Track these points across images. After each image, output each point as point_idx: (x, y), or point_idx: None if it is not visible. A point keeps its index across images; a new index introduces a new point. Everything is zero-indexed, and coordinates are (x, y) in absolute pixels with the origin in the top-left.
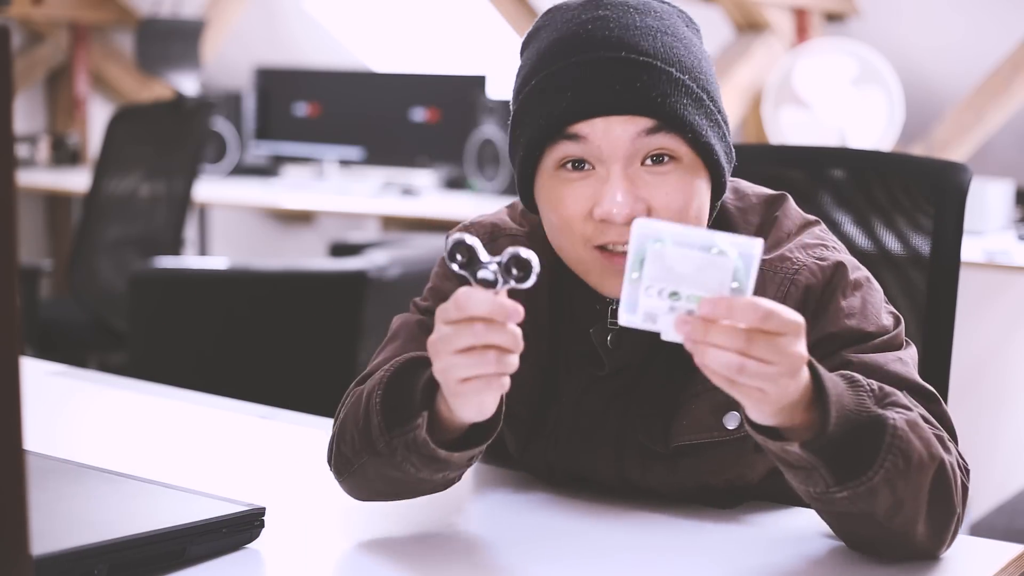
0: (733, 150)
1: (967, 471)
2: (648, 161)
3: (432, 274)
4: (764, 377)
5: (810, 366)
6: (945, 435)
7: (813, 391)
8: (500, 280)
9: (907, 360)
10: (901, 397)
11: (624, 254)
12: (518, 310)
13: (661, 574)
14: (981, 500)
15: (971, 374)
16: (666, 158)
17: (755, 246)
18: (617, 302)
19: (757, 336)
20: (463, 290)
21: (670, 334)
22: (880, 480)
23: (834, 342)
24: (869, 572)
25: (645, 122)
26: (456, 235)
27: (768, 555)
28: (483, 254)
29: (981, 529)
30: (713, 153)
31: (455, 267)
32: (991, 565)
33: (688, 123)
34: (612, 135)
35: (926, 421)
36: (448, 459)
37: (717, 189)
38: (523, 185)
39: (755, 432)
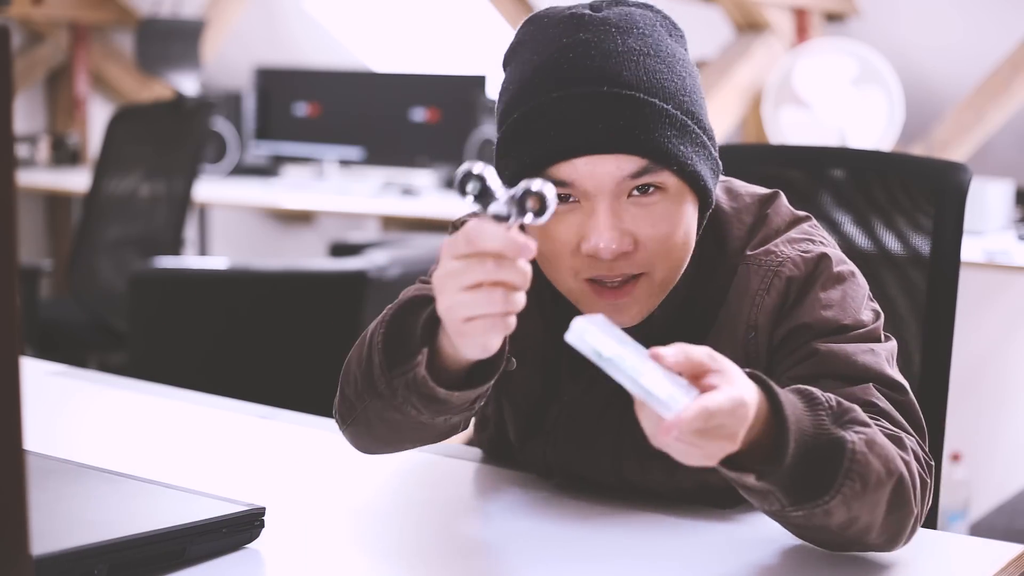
0: (719, 164)
1: (930, 466)
2: (635, 192)
3: (435, 264)
4: (719, 448)
5: (767, 388)
6: (903, 433)
7: (770, 413)
8: (514, 214)
9: (879, 351)
10: (859, 413)
11: (615, 288)
12: (529, 246)
13: (660, 574)
14: (981, 500)
15: (971, 374)
16: (652, 189)
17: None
18: None
19: (706, 430)
20: (473, 223)
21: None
22: (837, 503)
23: (807, 332)
24: (869, 572)
25: (631, 163)
26: (466, 165)
27: (766, 555)
28: (496, 186)
29: (981, 529)
30: (700, 180)
31: (466, 199)
32: (991, 565)
33: (673, 156)
34: (597, 175)
35: (888, 417)
36: (448, 399)
37: (704, 205)
38: None
39: (721, 468)
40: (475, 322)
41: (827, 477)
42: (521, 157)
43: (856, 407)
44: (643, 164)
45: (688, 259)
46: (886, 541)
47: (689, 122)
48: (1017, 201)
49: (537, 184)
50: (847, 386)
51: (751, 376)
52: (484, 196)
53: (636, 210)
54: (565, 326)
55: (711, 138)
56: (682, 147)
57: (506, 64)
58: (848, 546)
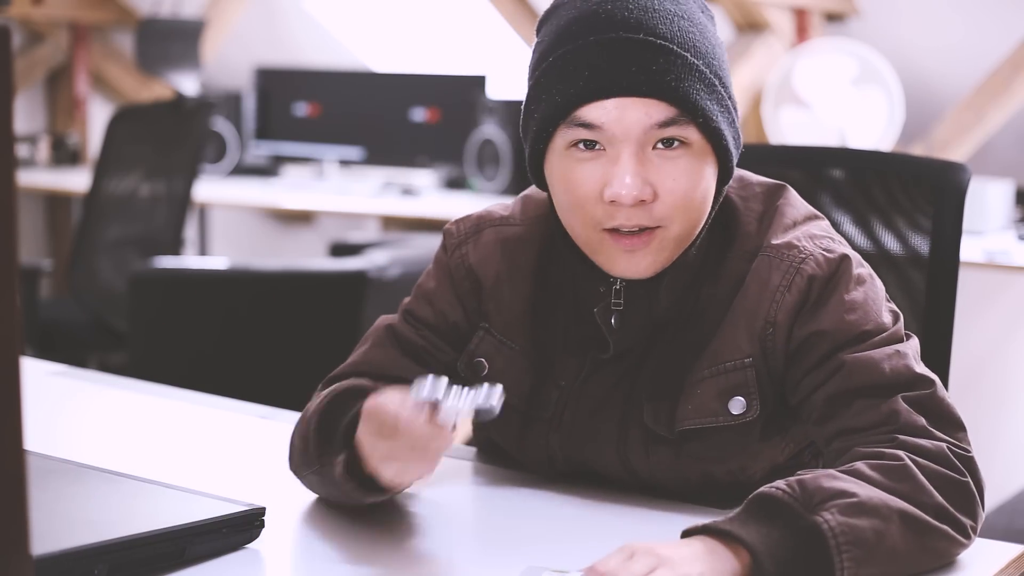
0: (741, 136)
1: (967, 457)
2: (659, 145)
3: (424, 272)
4: None
5: (718, 530)
6: (915, 444)
7: (737, 546)
8: (462, 408)
9: (904, 351)
10: (824, 481)
11: (632, 234)
12: (445, 434)
13: None
14: None
15: (971, 374)
16: (676, 143)
17: None
18: (621, 281)
19: None
20: (403, 418)
21: None
22: (851, 574)
23: (829, 340)
24: None
25: (659, 111)
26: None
27: None
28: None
29: (981, 529)
30: (723, 139)
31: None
32: (991, 565)
33: (700, 108)
34: (625, 120)
35: (910, 429)
36: (364, 499)
37: (724, 174)
38: (533, 162)
39: None
40: (392, 462)
41: (825, 565)
42: (552, 97)
43: (821, 477)
44: (671, 114)
45: (701, 223)
46: (944, 557)
47: (717, 83)
48: (1017, 201)
49: (484, 393)
50: (878, 402)
51: (695, 531)
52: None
53: (660, 161)
54: (566, 307)
55: (735, 108)
56: (710, 102)
57: (540, 26)
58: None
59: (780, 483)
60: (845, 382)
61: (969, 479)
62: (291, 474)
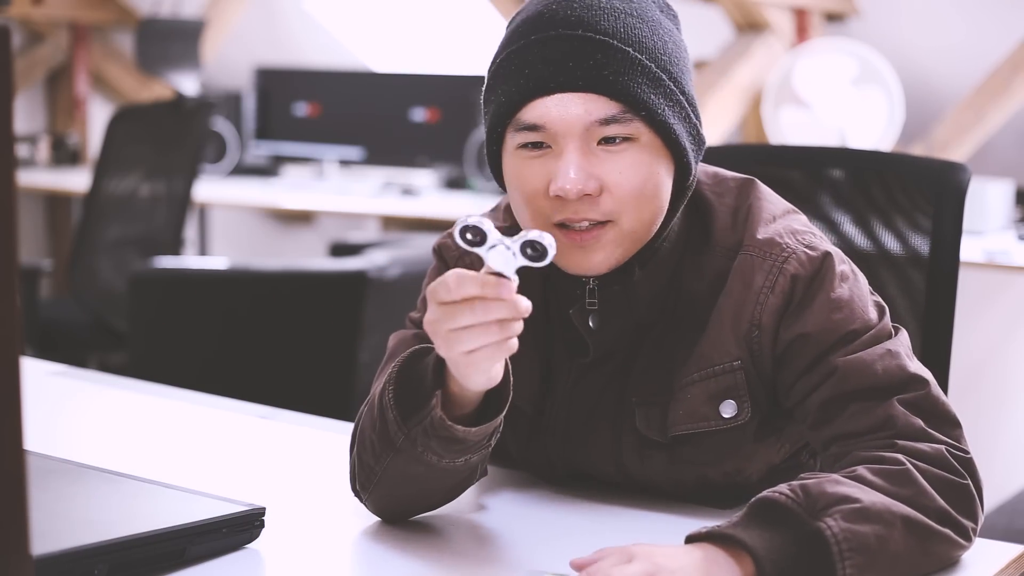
0: (702, 136)
1: (965, 459)
2: (603, 142)
3: (424, 285)
4: None
5: (721, 535)
6: (915, 448)
7: (739, 552)
8: (513, 261)
9: (896, 350)
10: (827, 487)
11: (583, 230)
12: (508, 283)
13: None
14: None
15: (971, 374)
16: (619, 140)
17: None
18: (593, 280)
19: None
20: (453, 272)
21: None
22: None
23: (818, 342)
24: None
25: (599, 105)
26: (463, 218)
27: None
28: (492, 235)
29: (981, 529)
30: (672, 133)
31: (466, 246)
32: (991, 565)
33: (642, 102)
34: (567, 117)
35: (908, 433)
36: (465, 437)
37: (682, 172)
38: (492, 164)
39: None
40: (476, 353)
41: (827, 572)
42: (498, 98)
43: (825, 482)
44: (614, 111)
45: (658, 220)
46: (947, 559)
47: (665, 78)
48: (1017, 201)
49: (535, 234)
50: (873, 406)
51: (697, 538)
52: (481, 244)
53: (605, 155)
54: (552, 314)
55: (693, 107)
56: (653, 96)
57: (505, 31)
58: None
59: (784, 488)
60: (839, 386)
61: (969, 481)
62: (353, 496)
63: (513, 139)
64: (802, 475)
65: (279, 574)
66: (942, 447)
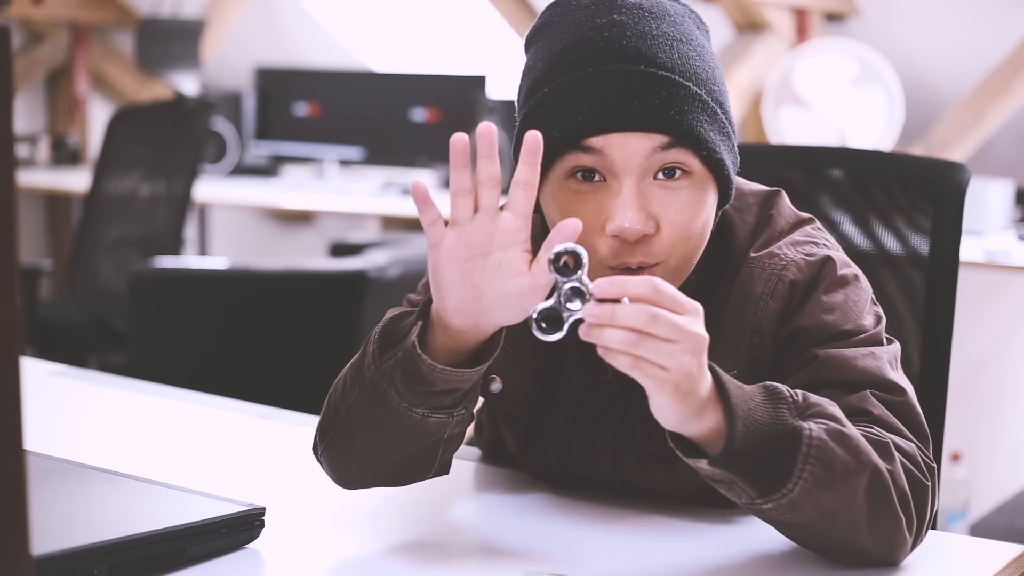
0: (738, 158)
1: (931, 469)
2: (660, 175)
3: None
4: (662, 352)
5: (716, 377)
6: (896, 438)
7: (720, 401)
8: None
9: (880, 355)
10: (827, 406)
11: (637, 270)
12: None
13: (660, 573)
14: (981, 500)
15: (971, 374)
16: (678, 172)
17: None
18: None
19: (657, 315)
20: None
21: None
22: (800, 491)
23: (806, 337)
24: (870, 572)
25: (661, 138)
26: (570, 245)
27: (766, 557)
28: (583, 270)
29: (981, 529)
30: (725, 168)
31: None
32: (991, 565)
33: (704, 140)
34: (627, 150)
35: (883, 423)
36: (430, 374)
37: (722, 199)
38: None
39: (676, 448)
40: (471, 282)
41: (786, 465)
42: (550, 130)
43: (826, 403)
44: (672, 139)
45: (700, 251)
46: (884, 548)
47: (719, 111)
48: (1017, 201)
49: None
50: (846, 394)
51: (714, 372)
52: (566, 272)
53: (661, 193)
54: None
55: (734, 129)
56: (712, 133)
57: (529, 45)
58: (844, 551)
59: (788, 388)
60: (815, 374)
61: (930, 486)
62: (343, 489)
63: (563, 164)
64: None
65: (279, 574)
66: (915, 446)
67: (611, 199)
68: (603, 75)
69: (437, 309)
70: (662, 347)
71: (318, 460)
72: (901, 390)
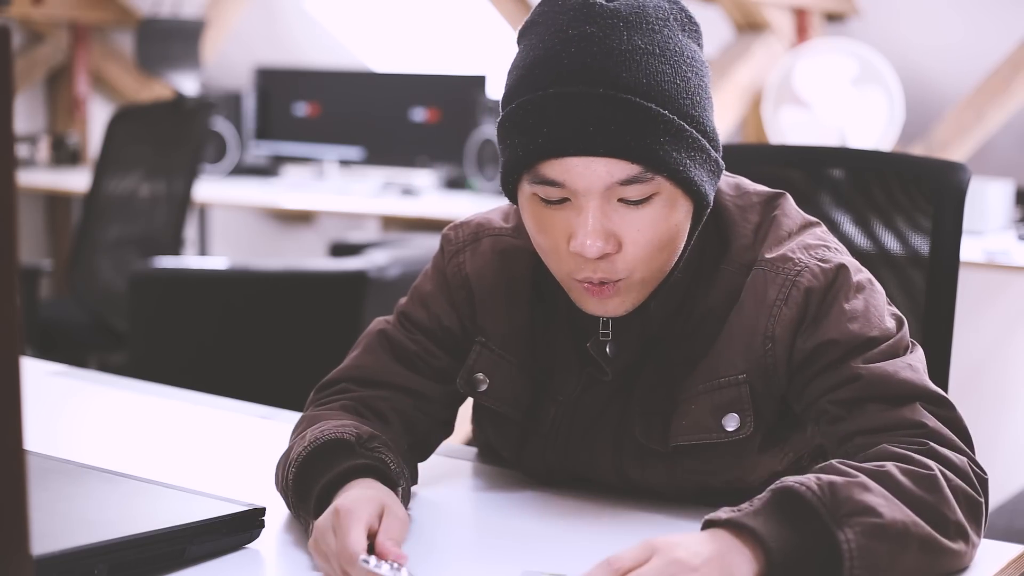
0: (720, 164)
1: (983, 480)
2: (625, 195)
3: (421, 273)
4: None
5: (738, 523)
6: (944, 454)
7: (753, 543)
8: None
9: (916, 366)
10: (854, 496)
11: (598, 286)
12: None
13: None
14: None
15: (971, 374)
16: (642, 200)
17: None
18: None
19: None
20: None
21: None
22: None
23: (837, 348)
24: None
25: (621, 169)
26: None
27: None
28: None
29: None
30: (693, 185)
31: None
32: (991, 565)
33: (664, 163)
34: (588, 176)
35: (937, 437)
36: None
37: (700, 207)
38: (507, 190)
39: None
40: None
41: None
42: (515, 149)
43: (852, 487)
44: (634, 172)
45: (674, 259)
46: (957, 569)
47: (686, 126)
48: (1017, 201)
49: None
50: (895, 407)
51: (715, 523)
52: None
53: (625, 211)
54: (560, 326)
55: (712, 140)
56: (675, 153)
57: (519, 41)
58: None
59: (811, 481)
60: (864, 390)
61: (983, 500)
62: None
63: (530, 187)
64: (828, 465)
65: (279, 574)
66: (967, 460)
67: (574, 216)
68: (561, 97)
69: None
70: None
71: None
72: (948, 403)
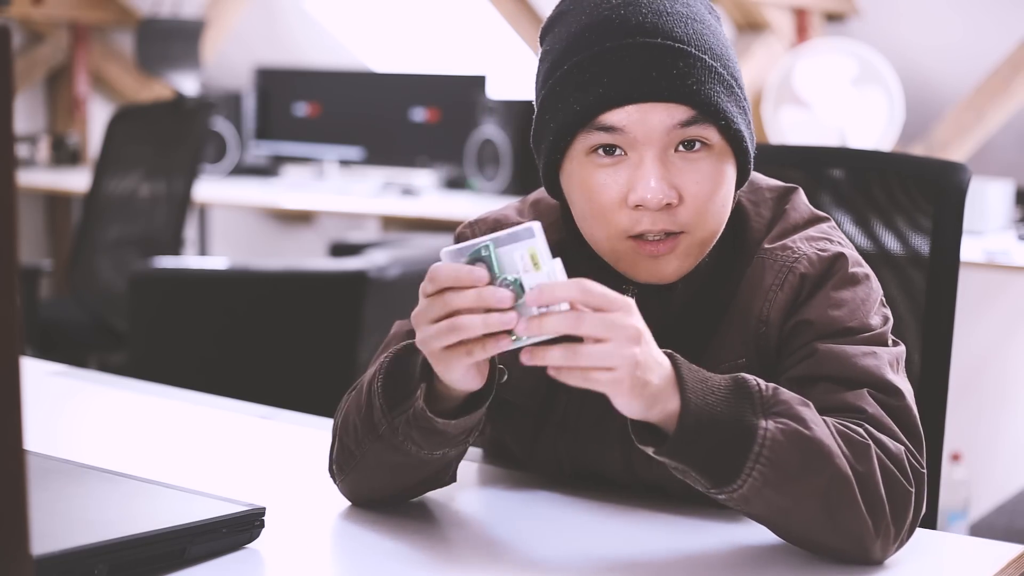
0: (754, 137)
1: (920, 475)
2: (680, 147)
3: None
4: (601, 354)
5: (676, 366)
6: (881, 439)
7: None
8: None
9: (881, 355)
10: (796, 406)
11: (658, 240)
12: (482, 276)
13: (667, 571)
14: (981, 500)
15: (971, 374)
16: (698, 144)
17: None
18: (632, 290)
19: (582, 315)
20: (435, 265)
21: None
22: (749, 489)
23: (811, 330)
24: (869, 572)
25: (681, 112)
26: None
27: (770, 554)
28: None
29: (981, 529)
30: (743, 140)
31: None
32: (991, 565)
33: (722, 111)
34: (647, 123)
35: (876, 423)
36: (445, 429)
37: (741, 176)
38: (548, 172)
39: (634, 434)
40: (449, 350)
41: (736, 462)
42: (570, 106)
43: (796, 403)
44: (692, 114)
45: (722, 226)
46: (851, 546)
47: (735, 85)
48: (1017, 201)
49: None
50: (843, 390)
51: (668, 355)
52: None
53: (682, 164)
54: None
55: (749, 109)
56: (729, 104)
57: (544, 34)
58: (807, 544)
59: (763, 382)
60: (813, 368)
61: (914, 492)
62: (328, 475)
63: (583, 142)
64: (786, 390)
65: (279, 574)
66: (904, 449)
67: (633, 171)
68: (621, 49)
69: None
70: (598, 349)
71: (334, 481)
72: (899, 393)
